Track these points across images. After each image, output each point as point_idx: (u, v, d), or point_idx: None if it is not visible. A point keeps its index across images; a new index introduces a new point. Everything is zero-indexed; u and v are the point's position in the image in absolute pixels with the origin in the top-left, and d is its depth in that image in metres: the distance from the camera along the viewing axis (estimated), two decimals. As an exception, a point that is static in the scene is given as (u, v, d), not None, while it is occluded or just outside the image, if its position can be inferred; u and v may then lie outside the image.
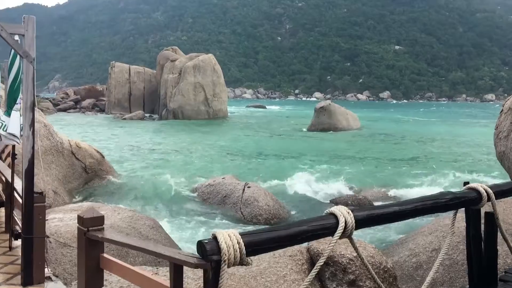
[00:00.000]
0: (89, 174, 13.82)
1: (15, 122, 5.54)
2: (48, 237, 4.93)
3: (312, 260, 5.15)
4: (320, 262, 3.55)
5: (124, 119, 51.86)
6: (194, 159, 23.10)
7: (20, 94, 5.71)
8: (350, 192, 15.36)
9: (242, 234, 3.11)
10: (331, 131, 38.52)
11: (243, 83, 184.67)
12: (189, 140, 31.95)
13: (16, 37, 4.89)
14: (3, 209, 7.46)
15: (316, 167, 21.05)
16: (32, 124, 4.72)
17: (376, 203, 13.37)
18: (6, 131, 5.46)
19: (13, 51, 5.54)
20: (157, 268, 5.11)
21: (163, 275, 5.01)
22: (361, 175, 18.98)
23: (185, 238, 10.02)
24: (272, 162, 22.97)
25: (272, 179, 17.35)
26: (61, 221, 8.12)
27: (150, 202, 13.88)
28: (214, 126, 44.76)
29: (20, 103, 5.67)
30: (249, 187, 13.04)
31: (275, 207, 12.28)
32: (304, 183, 16.70)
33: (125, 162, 21.28)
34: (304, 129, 42.08)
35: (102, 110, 60.74)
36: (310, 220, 3.59)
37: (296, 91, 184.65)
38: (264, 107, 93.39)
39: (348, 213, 3.61)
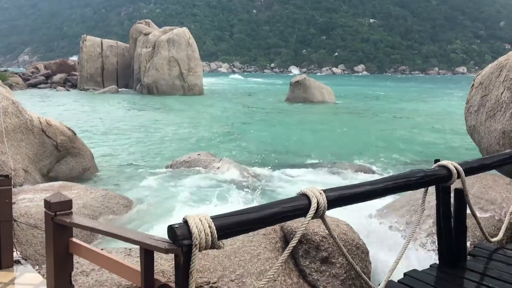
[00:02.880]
0: (60, 152, 13.51)
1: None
2: (15, 220, 4.81)
3: (285, 238, 5.17)
4: (293, 242, 3.56)
5: (97, 93, 50.85)
6: (168, 135, 22.89)
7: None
8: (323, 165, 15.48)
9: (213, 218, 3.07)
10: (306, 104, 38.73)
11: (219, 57, 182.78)
12: (162, 116, 31.60)
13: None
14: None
15: (290, 140, 21.12)
16: (-6, 105, 4.52)
17: (349, 176, 13.54)
18: (-32, 111, 5.25)
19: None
20: (130, 249, 5.05)
21: (136, 257, 4.96)
22: (333, 147, 19.16)
23: (158, 216, 9.96)
24: (247, 136, 22.94)
25: (247, 154, 17.35)
26: (32, 201, 7.96)
27: (123, 180, 13.73)
28: (189, 101, 44.32)
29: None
30: (224, 162, 13.00)
31: (250, 182, 12.28)
32: (278, 157, 16.76)
33: (97, 139, 20.94)
34: (280, 103, 42.11)
35: (74, 85, 59.34)
36: (282, 201, 3.58)
37: (272, 65, 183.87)
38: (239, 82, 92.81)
39: (320, 193, 3.60)
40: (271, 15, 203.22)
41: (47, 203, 3.81)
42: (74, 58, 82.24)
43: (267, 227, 4.62)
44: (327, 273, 4.89)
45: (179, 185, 12.45)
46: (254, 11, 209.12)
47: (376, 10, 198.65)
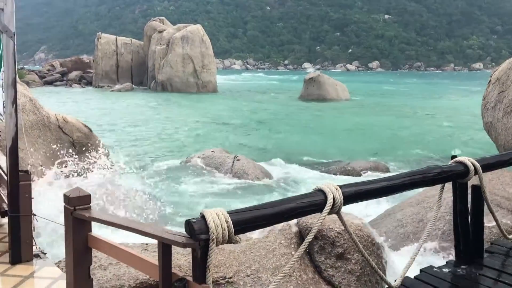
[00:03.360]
0: (76, 148, 13.68)
1: (-3, 98, 5.42)
2: (35, 215, 4.89)
3: (301, 234, 5.18)
4: (309, 238, 3.57)
5: (112, 91, 51.28)
6: (183, 132, 23.01)
7: (1, 70, 5.56)
8: (339, 163, 15.44)
9: (230, 213, 3.09)
10: (320, 102, 38.57)
11: (232, 54, 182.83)
12: (177, 112, 31.74)
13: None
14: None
15: (305, 137, 21.08)
16: (14, 101, 4.61)
17: (364, 174, 13.49)
18: (-12, 108, 5.34)
19: (-8, 26, 5.37)
20: (147, 244, 5.11)
21: (152, 251, 5.02)
22: (349, 145, 19.07)
23: (175, 211, 10.05)
24: (261, 133, 22.96)
25: (261, 151, 17.37)
26: (49, 196, 8.09)
27: (139, 176, 13.85)
28: (203, 98, 44.46)
29: (1, 80, 5.53)
30: (238, 159, 13.04)
31: (265, 179, 12.31)
32: (293, 154, 16.75)
33: (113, 135, 21.14)
34: (294, 100, 42.01)
35: (89, 83, 59.89)
36: (298, 197, 3.59)
37: (286, 62, 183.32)
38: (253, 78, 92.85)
39: (337, 189, 3.60)
40: (284, 11, 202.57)
41: (66, 198, 3.87)
42: (88, 56, 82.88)
43: (283, 223, 4.64)
44: (343, 269, 4.89)
45: (194, 182, 12.53)
46: (268, 7, 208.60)
47: (391, 6, 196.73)
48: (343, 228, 5.37)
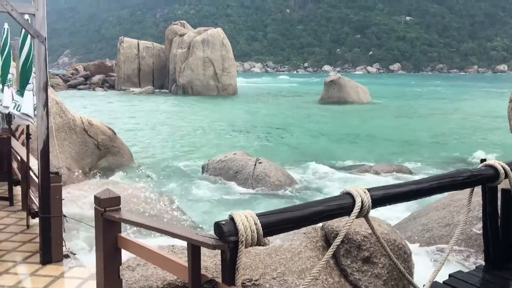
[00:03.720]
0: (101, 151, 13.91)
1: (28, 102, 5.55)
2: (65, 216, 4.99)
3: (326, 237, 5.17)
4: (337, 241, 3.55)
5: (134, 94, 51.90)
6: (204, 135, 23.15)
7: (32, 73, 5.70)
8: (362, 167, 15.32)
9: (258, 215, 3.11)
10: (341, 104, 38.33)
11: (252, 57, 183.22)
12: (198, 115, 31.95)
13: (26, 16, 4.85)
14: (19, 187, 7.56)
15: (326, 141, 20.99)
16: (45, 104, 4.72)
17: (388, 178, 13.36)
18: (19, 111, 5.48)
19: (23, 31, 5.51)
20: (173, 246, 5.16)
21: (179, 253, 5.06)
22: (372, 148, 18.91)
23: (198, 214, 10.11)
24: (283, 136, 22.94)
25: (283, 154, 17.35)
26: (76, 198, 8.23)
27: (162, 178, 13.99)
28: (223, 101, 44.66)
29: (32, 83, 5.67)
30: (260, 162, 13.04)
31: (287, 182, 12.31)
32: (315, 158, 16.68)
33: (136, 138, 21.38)
34: (314, 103, 41.86)
35: (112, 86, 60.73)
36: (326, 200, 3.58)
37: (306, 64, 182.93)
38: (273, 81, 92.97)
39: (365, 192, 3.59)
40: (304, 14, 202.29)
41: (97, 199, 3.94)
42: (111, 59, 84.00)
43: (308, 226, 4.62)
44: (369, 273, 4.86)
45: (215, 185, 12.58)
46: (288, 10, 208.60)
47: (413, 8, 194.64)
48: (369, 231, 5.34)
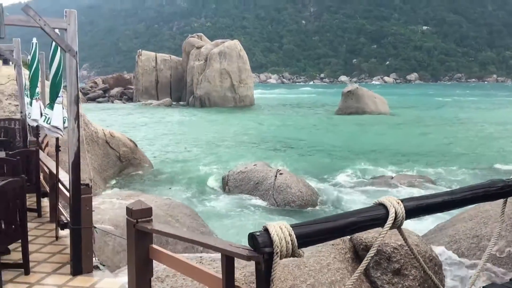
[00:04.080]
0: (123, 163, 14.06)
1: (58, 115, 5.65)
2: (95, 227, 5.04)
3: (355, 248, 5.13)
4: (371, 253, 3.51)
5: (152, 106, 52.43)
6: (223, 146, 23.21)
7: (61, 87, 5.81)
8: (382, 177, 15.19)
9: (292, 226, 3.11)
10: (359, 115, 38.11)
11: (268, 68, 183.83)
12: (217, 127, 32.09)
13: (57, 30, 4.95)
14: (46, 199, 7.67)
15: (345, 151, 20.88)
16: (77, 117, 4.80)
17: (411, 189, 13.21)
18: (50, 124, 5.58)
19: (53, 45, 5.62)
20: (201, 257, 5.17)
21: (207, 264, 5.06)
22: (392, 159, 18.74)
23: (220, 226, 10.12)
24: (301, 148, 22.89)
25: (302, 165, 17.30)
26: (101, 209, 8.30)
27: (183, 189, 14.04)
28: (241, 112, 44.81)
29: (62, 96, 5.78)
30: (281, 173, 13.02)
31: (308, 194, 12.25)
32: (335, 169, 16.60)
33: (156, 150, 21.55)
34: (332, 113, 41.76)
35: (130, 99, 61.45)
36: (359, 211, 3.56)
37: (322, 75, 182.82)
38: (289, 92, 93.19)
39: (398, 203, 3.55)
40: (320, 25, 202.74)
41: (129, 211, 3.98)
42: (128, 72, 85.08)
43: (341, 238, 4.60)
44: (400, 285, 4.80)
45: (236, 196, 12.58)
46: (303, 21, 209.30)
47: (429, 17, 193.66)
48: (399, 243, 5.28)
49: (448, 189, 4.07)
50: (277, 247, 2.93)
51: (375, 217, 3.53)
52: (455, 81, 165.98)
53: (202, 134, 27.96)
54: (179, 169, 16.68)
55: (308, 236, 3.19)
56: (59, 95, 5.71)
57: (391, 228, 3.54)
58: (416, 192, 12.97)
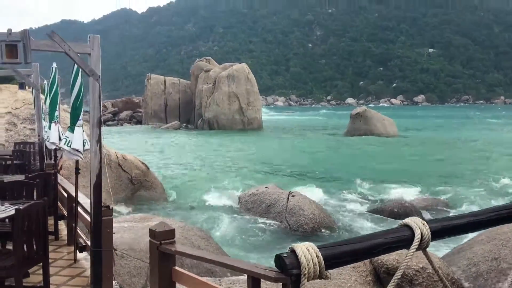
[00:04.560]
0: (135, 186, 14.09)
1: (78, 137, 5.73)
2: (115, 250, 5.04)
3: (375, 271, 5.09)
4: (397, 275, 3.49)
5: (161, 129, 52.79)
6: (233, 169, 23.23)
7: (82, 110, 5.91)
8: (392, 199, 15.11)
9: (319, 247, 3.10)
10: (367, 137, 38.06)
11: (275, 91, 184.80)
12: (226, 149, 32.16)
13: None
14: (62, 221, 7.70)
15: (356, 174, 20.79)
16: (99, 140, 4.86)
17: (423, 212, 13.11)
18: (70, 146, 5.65)
19: (74, 69, 5.74)
20: (220, 280, 5.14)
21: (226, 286, 5.04)
22: (404, 182, 18.63)
23: (233, 248, 10.07)
24: (312, 170, 22.84)
25: (314, 188, 17.23)
26: (115, 232, 8.30)
27: (194, 212, 14.03)
28: (249, 135, 44.94)
29: (82, 120, 5.87)
30: (293, 196, 12.99)
31: (321, 216, 12.18)
32: (346, 191, 16.54)
33: (166, 173, 21.59)
34: (340, 135, 41.76)
35: (139, 122, 61.92)
36: (385, 232, 3.53)
37: (329, 98, 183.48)
38: (297, 115, 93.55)
39: (424, 224, 3.53)
40: (326, 48, 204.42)
41: (152, 232, 3.99)
42: (137, 96, 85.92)
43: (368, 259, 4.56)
44: (423, 308, 4.74)
45: (250, 217, 12.54)
46: (310, 45, 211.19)
47: (435, 40, 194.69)
48: (420, 265, 5.23)
49: (469, 211, 4.04)
50: (305, 268, 2.92)
51: (401, 238, 3.51)
52: (462, 103, 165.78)
53: (212, 157, 28.02)
54: (190, 192, 16.69)
55: (335, 257, 3.17)
56: (80, 118, 5.80)
57: (417, 250, 3.52)
58: (429, 215, 12.87)
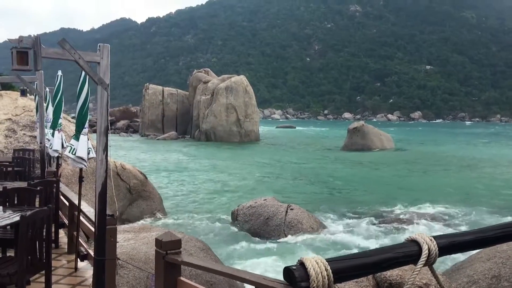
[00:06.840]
0: (133, 195, 14.04)
1: (83, 145, 5.74)
2: (119, 259, 5.02)
3: (378, 286, 5.07)
4: (405, 290, 3.50)
5: (158, 139, 52.72)
6: (231, 181, 23.20)
7: (88, 119, 5.92)
8: (390, 213, 15.11)
9: (328, 260, 3.10)
10: (364, 152, 38.17)
11: (272, 104, 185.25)
12: (223, 162, 32.13)
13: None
14: (61, 230, 7.65)
15: (351, 188, 20.82)
16: (105, 148, 4.86)
17: (423, 227, 13.11)
18: (75, 154, 5.65)
19: (82, 78, 5.77)
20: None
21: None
22: (400, 196, 18.66)
23: (232, 260, 10.02)
24: (309, 184, 22.85)
25: (311, 201, 17.23)
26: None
27: (192, 224, 13.98)
28: (247, 147, 44.95)
29: (87, 128, 5.87)
30: (292, 209, 12.98)
31: (320, 230, 12.16)
32: (343, 205, 16.53)
33: (163, 183, 21.55)
34: (337, 150, 41.83)
35: (135, 131, 61.88)
36: (393, 247, 3.54)
37: (326, 111, 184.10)
38: (294, 127, 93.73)
39: (431, 240, 3.55)
40: (324, 62, 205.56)
41: (158, 242, 3.98)
42: (134, 105, 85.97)
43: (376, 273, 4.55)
44: (426, 325, 4.73)
45: (248, 230, 12.50)
46: (308, 59, 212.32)
47: (433, 57, 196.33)
48: (424, 281, 5.23)
49: (476, 228, 4.06)
50: (314, 281, 2.91)
51: (408, 253, 3.52)
52: (459, 120, 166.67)
53: (209, 168, 27.99)
54: (187, 202, 16.65)
55: (344, 271, 3.17)
56: (85, 126, 5.81)
57: (424, 265, 3.53)
58: (428, 231, 12.88)
